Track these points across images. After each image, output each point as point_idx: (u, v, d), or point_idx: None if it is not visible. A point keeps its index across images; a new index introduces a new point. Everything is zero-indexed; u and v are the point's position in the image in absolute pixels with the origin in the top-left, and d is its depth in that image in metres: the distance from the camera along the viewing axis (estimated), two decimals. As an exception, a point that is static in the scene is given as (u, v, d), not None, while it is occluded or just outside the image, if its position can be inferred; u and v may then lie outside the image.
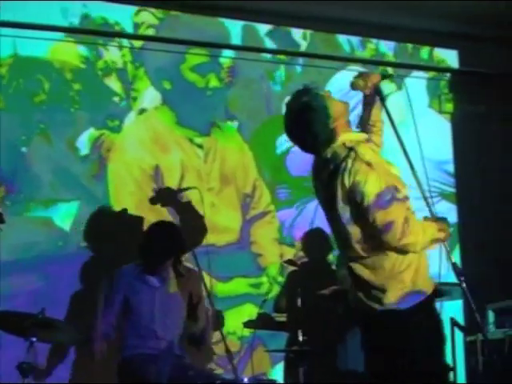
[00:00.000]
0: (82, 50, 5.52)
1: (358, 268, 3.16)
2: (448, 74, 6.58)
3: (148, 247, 4.61)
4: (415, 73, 6.44)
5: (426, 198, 3.17)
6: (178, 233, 4.73)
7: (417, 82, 6.41)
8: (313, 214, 5.68)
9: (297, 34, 6.17)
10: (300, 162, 5.68)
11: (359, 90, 3.33)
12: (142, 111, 5.60)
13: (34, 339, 3.84)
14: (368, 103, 3.40)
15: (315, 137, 3.12)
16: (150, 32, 5.72)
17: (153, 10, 5.72)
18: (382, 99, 3.26)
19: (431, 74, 6.54)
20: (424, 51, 6.56)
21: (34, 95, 5.32)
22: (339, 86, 6.06)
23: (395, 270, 3.10)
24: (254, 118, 5.91)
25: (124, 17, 5.66)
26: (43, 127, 5.31)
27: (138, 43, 5.68)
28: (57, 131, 5.35)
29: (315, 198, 3.34)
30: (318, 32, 6.22)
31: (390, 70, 6.27)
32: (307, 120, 3.11)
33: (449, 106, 6.47)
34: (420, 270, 3.16)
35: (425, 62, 6.53)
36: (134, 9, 5.68)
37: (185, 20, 5.82)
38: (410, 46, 6.50)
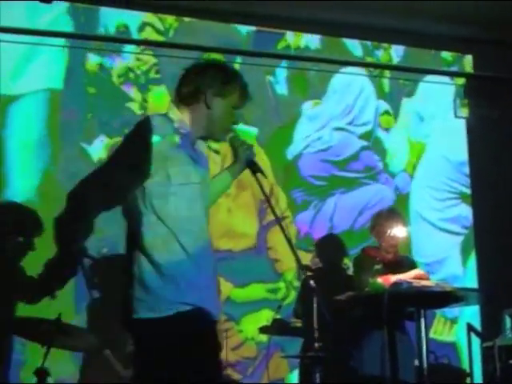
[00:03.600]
0: (97, 56, 5.55)
1: None
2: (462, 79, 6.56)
3: None
4: (433, 77, 6.44)
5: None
6: None
7: (444, 87, 6.43)
8: (332, 210, 5.78)
9: (309, 38, 6.18)
10: (311, 163, 5.76)
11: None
12: (158, 118, 5.60)
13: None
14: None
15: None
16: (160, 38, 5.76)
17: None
18: (254, 172, 2.87)
19: (459, 80, 6.53)
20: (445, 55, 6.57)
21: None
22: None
23: None
24: (265, 123, 5.91)
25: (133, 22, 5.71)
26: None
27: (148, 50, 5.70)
28: (70, 136, 5.38)
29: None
30: (332, 37, 6.23)
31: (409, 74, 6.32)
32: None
33: (464, 111, 6.46)
34: None
35: (447, 66, 6.54)
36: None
37: (199, 26, 5.84)
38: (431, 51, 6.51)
